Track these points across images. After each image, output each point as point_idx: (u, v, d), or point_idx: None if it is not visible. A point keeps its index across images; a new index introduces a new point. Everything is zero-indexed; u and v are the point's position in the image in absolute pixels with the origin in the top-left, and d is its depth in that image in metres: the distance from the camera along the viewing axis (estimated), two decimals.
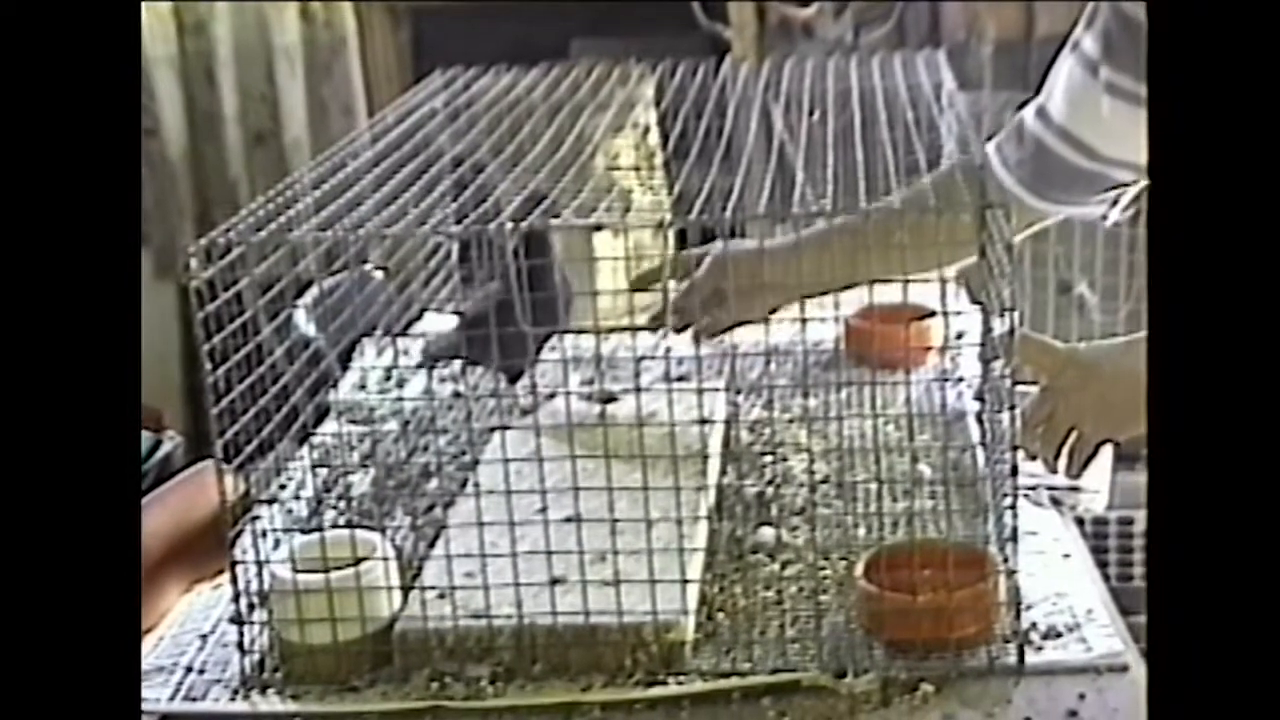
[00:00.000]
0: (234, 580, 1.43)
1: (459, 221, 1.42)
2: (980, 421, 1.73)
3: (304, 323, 2.11)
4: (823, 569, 1.52)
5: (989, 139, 1.81)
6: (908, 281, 1.41)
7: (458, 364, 1.85)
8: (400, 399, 1.91)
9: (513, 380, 1.79)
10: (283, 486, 1.71)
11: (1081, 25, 1.68)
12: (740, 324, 1.83)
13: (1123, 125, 1.63)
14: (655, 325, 1.87)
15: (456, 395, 1.89)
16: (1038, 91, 1.76)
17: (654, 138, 2.69)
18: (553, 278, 1.75)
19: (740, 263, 1.76)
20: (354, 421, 1.90)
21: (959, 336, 1.94)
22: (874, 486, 1.59)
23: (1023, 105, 1.78)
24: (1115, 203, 1.76)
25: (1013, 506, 1.37)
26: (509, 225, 1.37)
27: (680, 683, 1.37)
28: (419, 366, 1.87)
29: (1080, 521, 1.71)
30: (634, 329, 1.80)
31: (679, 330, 1.84)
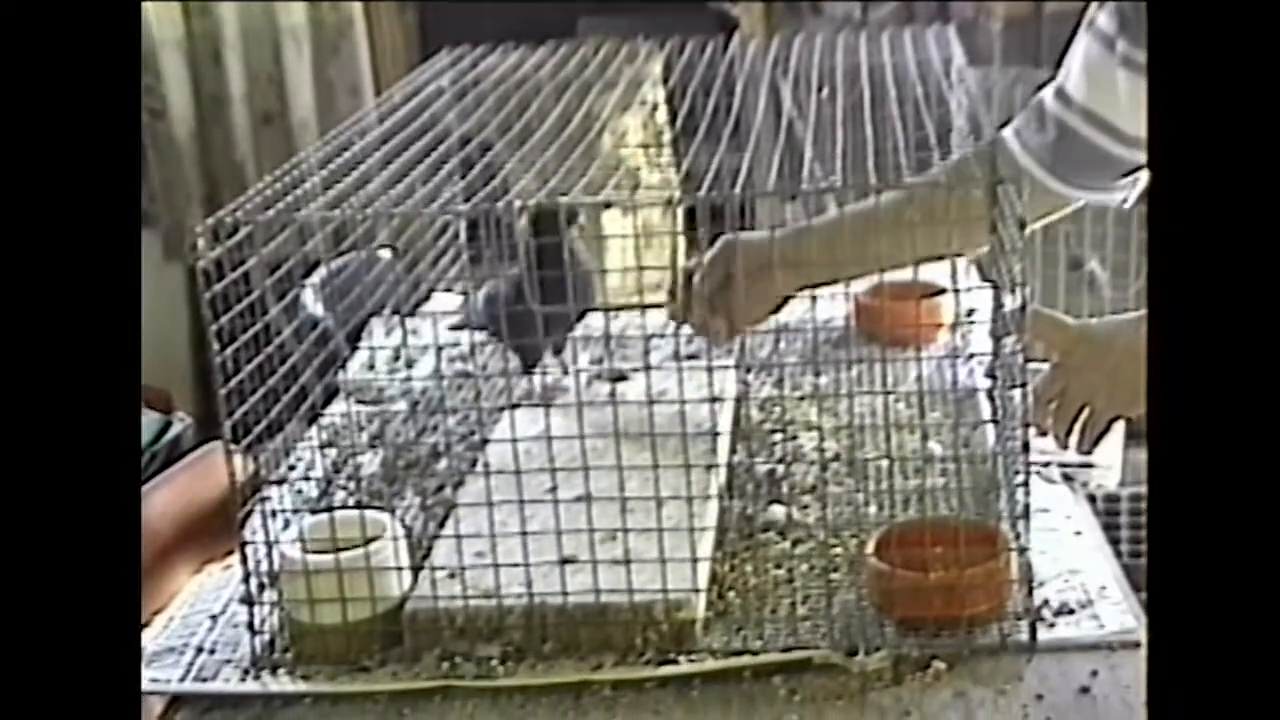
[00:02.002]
0: (244, 561, 1.43)
1: (467, 200, 1.42)
2: (991, 398, 1.73)
3: (312, 302, 2.11)
4: (834, 547, 1.52)
5: (1005, 124, 1.80)
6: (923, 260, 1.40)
7: (467, 344, 1.85)
8: (409, 378, 1.91)
9: (528, 362, 1.78)
10: (292, 467, 1.71)
11: (1095, 3, 1.67)
12: (753, 320, 1.78)
13: (1138, 100, 1.62)
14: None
15: (465, 375, 1.89)
16: (1056, 68, 1.74)
17: (662, 115, 2.68)
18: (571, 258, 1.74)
19: (754, 247, 1.74)
20: (363, 401, 1.90)
21: (970, 313, 1.93)
22: (885, 464, 1.59)
23: (1041, 87, 1.76)
24: (1136, 184, 1.74)
25: (1024, 483, 1.36)
26: (517, 204, 1.36)
27: (691, 661, 1.37)
28: (458, 327, 1.84)
29: (1092, 498, 1.70)
30: (643, 306, 1.80)
31: (681, 323, 1.80)
